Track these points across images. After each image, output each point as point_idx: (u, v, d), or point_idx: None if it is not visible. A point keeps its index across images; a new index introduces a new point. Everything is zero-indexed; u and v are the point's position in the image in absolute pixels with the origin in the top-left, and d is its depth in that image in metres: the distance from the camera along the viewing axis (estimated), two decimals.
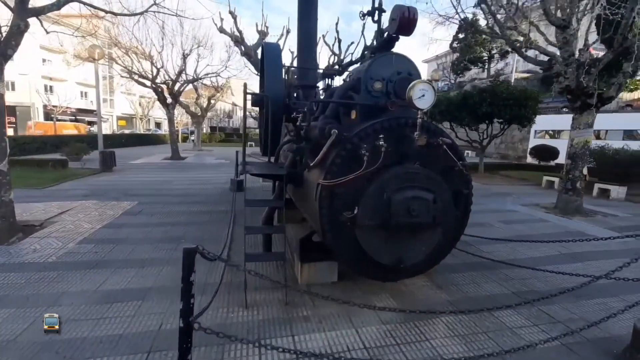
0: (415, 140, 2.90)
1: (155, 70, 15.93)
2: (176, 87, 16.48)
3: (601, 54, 8.16)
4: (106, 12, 6.05)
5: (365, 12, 3.83)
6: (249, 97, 5.13)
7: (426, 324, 3.07)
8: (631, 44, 5.74)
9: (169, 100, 16.65)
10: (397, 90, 3.30)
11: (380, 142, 2.90)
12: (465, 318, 3.21)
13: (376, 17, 3.71)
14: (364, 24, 10.18)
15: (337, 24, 10.34)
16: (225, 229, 5.68)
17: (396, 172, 2.95)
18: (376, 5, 3.71)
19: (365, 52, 9.89)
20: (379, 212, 2.92)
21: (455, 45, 34.29)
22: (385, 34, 3.44)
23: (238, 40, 10.00)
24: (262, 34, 10.16)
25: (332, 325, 3.01)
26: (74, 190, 8.64)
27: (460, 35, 32.15)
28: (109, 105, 42.54)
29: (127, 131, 39.71)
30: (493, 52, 34.18)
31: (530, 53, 8.17)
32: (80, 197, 7.79)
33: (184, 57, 15.61)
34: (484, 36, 31.09)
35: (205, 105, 23.48)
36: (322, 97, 5.09)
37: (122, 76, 16.45)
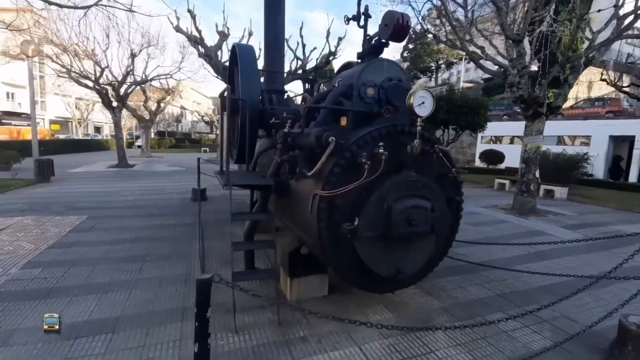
0: (412, 147, 2.85)
1: (98, 70, 14.59)
2: (123, 89, 15.22)
3: (534, 67, 9.00)
4: (50, 3, 5.33)
5: (350, 17, 3.76)
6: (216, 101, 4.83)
7: (427, 335, 3.01)
8: (577, 58, 6.36)
9: (115, 103, 15.32)
10: (389, 96, 3.24)
11: (380, 150, 2.81)
12: (462, 324, 3.21)
13: (362, 22, 3.66)
14: (329, 30, 10.16)
15: (301, 28, 10.14)
16: (193, 244, 5.26)
17: (396, 180, 2.87)
18: (362, 10, 3.66)
19: (330, 58, 9.92)
20: (379, 222, 2.83)
21: (405, 54, 35.99)
22: (374, 40, 3.38)
23: (196, 41, 9.45)
24: (223, 35, 9.71)
25: (333, 344, 2.83)
26: (7, 204, 7.51)
27: (410, 46, 33.80)
28: (40, 108, 38.30)
29: (62, 136, 36.03)
30: (440, 62, 36.39)
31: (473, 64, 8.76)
32: (16, 212, 6.78)
33: (133, 56, 14.44)
34: (432, 47, 33.10)
35: (154, 108, 22.04)
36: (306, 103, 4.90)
37: (59, 75, 14.82)
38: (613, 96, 18.90)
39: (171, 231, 5.96)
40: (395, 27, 3.03)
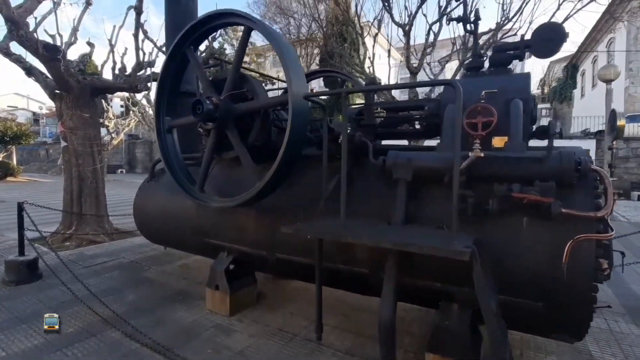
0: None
1: None
2: None
3: None
4: None
5: (453, 17, 3.13)
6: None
7: None
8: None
9: None
10: (534, 114, 2.90)
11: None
12: (590, 339, 3.27)
13: (470, 27, 3.12)
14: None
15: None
16: None
17: None
18: (469, 11, 3.13)
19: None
20: None
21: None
22: (514, 50, 2.93)
23: None
24: None
25: None
26: None
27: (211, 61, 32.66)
28: None
29: None
30: None
31: None
32: None
33: None
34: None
35: None
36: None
37: None
38: None
39: None
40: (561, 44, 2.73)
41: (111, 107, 23.18)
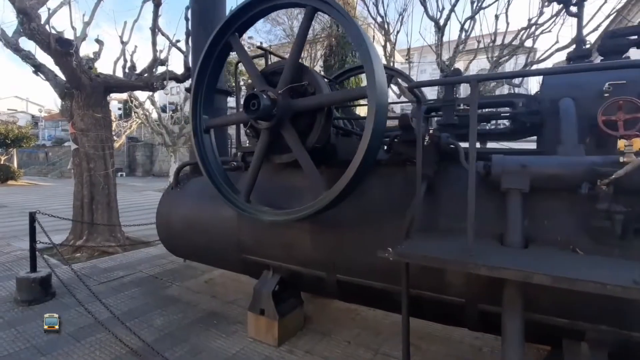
0: None
1: None
2: None
3: None
4: None
5: None
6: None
7: None
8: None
9: None
10: None
11: None
12: None
13: (574, 10, 2.65)
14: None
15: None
16: None
17: None
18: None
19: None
20: None
21: None
22: (630, 35, 2.47)
23: None
24: None
25: None
26: None
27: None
28: None
29: None
30: (241, 84, 36.56)
31: None
32: None
33: None
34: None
35: None
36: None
37: None
38: None
39: None
40: None
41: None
